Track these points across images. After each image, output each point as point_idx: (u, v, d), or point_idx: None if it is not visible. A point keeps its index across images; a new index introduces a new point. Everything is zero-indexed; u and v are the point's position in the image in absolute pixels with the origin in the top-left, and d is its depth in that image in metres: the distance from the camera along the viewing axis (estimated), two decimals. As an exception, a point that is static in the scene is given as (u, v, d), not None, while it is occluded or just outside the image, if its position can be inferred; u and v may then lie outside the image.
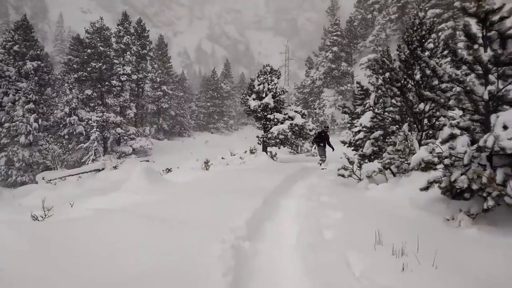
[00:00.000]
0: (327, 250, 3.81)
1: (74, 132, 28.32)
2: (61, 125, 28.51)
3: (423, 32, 8.22)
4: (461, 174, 4.66)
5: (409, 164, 7.14)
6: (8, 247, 3.24)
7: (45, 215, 6.03)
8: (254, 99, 19.71)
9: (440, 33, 25.71)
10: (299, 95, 49.51)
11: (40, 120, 25.35)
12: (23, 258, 3.14)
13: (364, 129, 8.64)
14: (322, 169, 13.88)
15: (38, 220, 5.88)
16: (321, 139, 16.05)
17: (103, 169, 21.58)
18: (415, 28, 8.28)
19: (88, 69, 31.18)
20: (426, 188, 5.28)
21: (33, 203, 12.89)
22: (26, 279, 2.85)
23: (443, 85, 7.52)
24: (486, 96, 4.93)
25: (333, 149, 15.40)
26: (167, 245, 3.73)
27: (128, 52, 35.64)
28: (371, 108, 8.84)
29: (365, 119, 8.35)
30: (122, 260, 3.33)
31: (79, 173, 21.49)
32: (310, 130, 19.97)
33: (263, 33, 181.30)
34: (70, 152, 28.05)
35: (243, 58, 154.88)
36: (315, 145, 17.17)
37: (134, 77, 35.36)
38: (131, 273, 3.10)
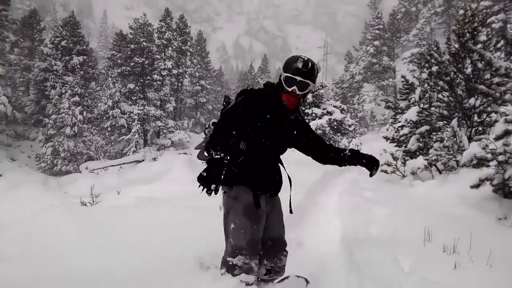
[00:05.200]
0: (373, 246, 3.73)
1: (117, 125, 29.25)
2: (104, 118, 29.53)
3: (475, 24, 7.84)
4: (517, 172, 4.43)
5: (457, 161, 6.88)
6: (64, 228, 3.41)
7: (93, 202, 6.27)
8: (292, 94, 19.61)
9: (493, 25, 24.51)
10: (337, 90, 48.72)
11: (84, 113, 26.33)
12: (78, 237, 3.29)
13: (409, 124, 8.38)
14: None
15: (86, 206, 6.13)
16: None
17: (143, 160, 22.21)
18: (466, 20, 7.91)
19: (131, 64, 32.04)
20: (477, 186, 5.07)
21: (77, 191, 13.44)
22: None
23: (496, 79, 7.17)
24: (546, 90, 4.65)
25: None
26: (208, 230, 3.78)
27: (170, 48, 36.30)
28: (417, 102, 8.56)
29: (411, 114, 8.09)
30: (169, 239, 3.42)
31: (120, 164, 22.23)
32: (349, 126, 19.67)
33: (302, 28, 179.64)
34: (112, 143, 29.10)
35: (280, 53, 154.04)
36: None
37: (174, 71, 36.00)
38: (174, 255, 3.19)
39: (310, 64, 2.32)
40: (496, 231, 4.16)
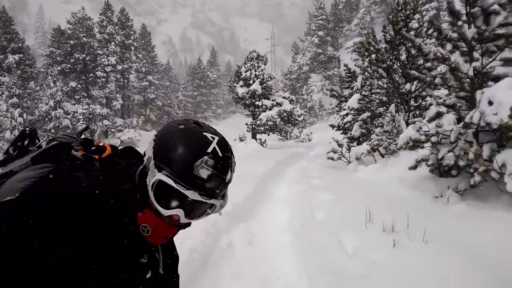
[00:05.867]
0: (319, 230, 3.86)
1: (60, 126, 27.92)
2: (46, 119, 28.10)
3: (408, 12, 8.23)
4: (448, 152, 4.73)
5: (397, 144, 7.23)
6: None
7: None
8: (241, 86, 19.67)
9: (424, 13, 25.80)
10: (286, 81, 49.41)
11: (25, 115, 24.98)
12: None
13: (352, 111, 8.69)
14: None
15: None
16: None
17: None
18: (399, 8, 8.28)
19: (72, 60, 30.65)
20: (414, 167, 5.36)
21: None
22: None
23: (428, 64, 7.58)
24: (471, 73, 4.97)
25: None
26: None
27: (112, 42, 35.07)
28: (359, 90, 8.87)
29: (353, 101, 8.39)
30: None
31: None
32: (299, 116, 20.08)
33: (248, 19, 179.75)
34: (57, 146, 27.75)
35: (228, 45, 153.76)
36: None
37: (119, 67, 34.87)
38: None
39: (229, 172, 0.98)
40: (432, 209, 4.44)
